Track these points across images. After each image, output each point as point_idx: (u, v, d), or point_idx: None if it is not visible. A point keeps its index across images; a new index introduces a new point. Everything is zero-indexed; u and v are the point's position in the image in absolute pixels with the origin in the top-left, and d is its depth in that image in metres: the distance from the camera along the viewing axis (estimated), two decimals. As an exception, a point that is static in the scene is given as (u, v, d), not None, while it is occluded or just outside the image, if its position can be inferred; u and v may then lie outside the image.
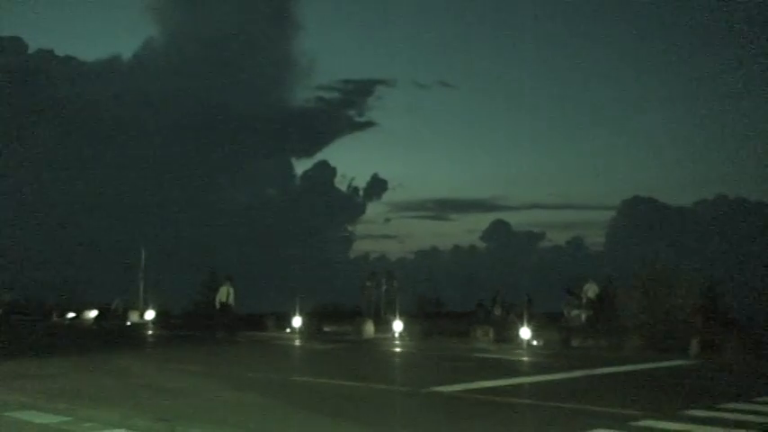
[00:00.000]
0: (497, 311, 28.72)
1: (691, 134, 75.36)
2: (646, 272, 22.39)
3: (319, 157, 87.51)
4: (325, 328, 27.04)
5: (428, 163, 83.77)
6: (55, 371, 13.59)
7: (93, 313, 35.66)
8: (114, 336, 26.30)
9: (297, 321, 26.33)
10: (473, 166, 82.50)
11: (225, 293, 25.86)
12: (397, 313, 25.54)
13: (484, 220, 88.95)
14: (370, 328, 25.50)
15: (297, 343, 22.87)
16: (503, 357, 18.11)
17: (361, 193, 68.41)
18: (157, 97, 62.55)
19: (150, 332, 27.88)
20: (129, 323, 32.72)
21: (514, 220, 79.12)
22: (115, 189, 60.16)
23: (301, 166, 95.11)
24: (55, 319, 35.77)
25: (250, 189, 68.06)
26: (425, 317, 28.39)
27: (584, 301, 26.18)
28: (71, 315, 36.10)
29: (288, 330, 26.61)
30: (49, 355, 16.78)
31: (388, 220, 72.76)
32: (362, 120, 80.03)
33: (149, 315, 32.51)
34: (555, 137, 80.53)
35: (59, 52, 66.84)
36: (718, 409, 9.65)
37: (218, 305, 25.89)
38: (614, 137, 78.06)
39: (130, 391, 11.00)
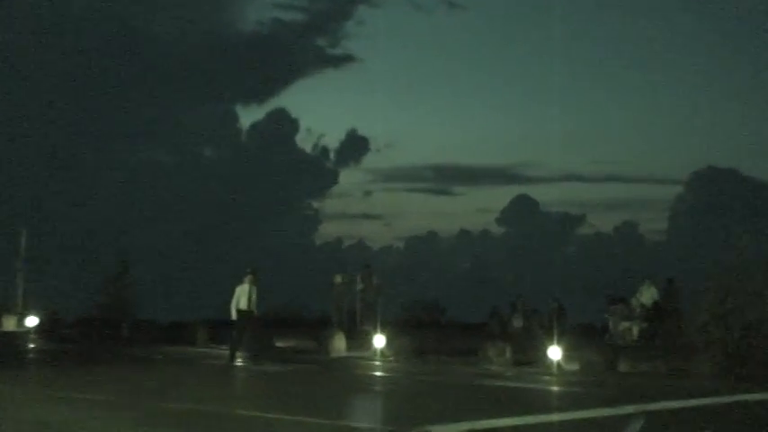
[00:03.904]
0: (517, 322, 28.92)
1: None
2: (722, 270, 22.54)
3: (275, 103, 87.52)
4: (279, 343, 27.11)
5: (426, 115, 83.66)
6: None
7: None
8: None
9: (239, 333, 26.27)
10: (488, 122, 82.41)
11: (245, 296, 24.14)
12: (379, 323, 25.60)
13: (502, 196, 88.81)
14: (340, 344, 25.58)
15: (239, 362, 22.87)
16: (524, 386, 18.21)
17: (332, 155, 68.44)
18: (53, 20, 61.97)
19: (32, 345, 27.78)
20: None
21: (544, 196, 79.12)
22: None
23: (250, 116, 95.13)
24: None
25: (178, 147, 67.87)
26: (418, 328, 28.51)
27: (638, 309, 26.40)
28: None
29: (227, 346, 26.60)
30: None
31: (368, 193, 72.81)
32: (336, 53, 79.80)
33: (31, 321, 32.40)
34: (601, 85, 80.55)
35: None
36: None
37: (233, 314, 24.04)
38: (682, 87, 78.18)
39: (9, 428, 10.96)
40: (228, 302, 23.86)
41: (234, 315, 24.16)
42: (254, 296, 24.20)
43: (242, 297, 24.16)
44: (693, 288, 23.43)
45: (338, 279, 29.26)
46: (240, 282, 24.37)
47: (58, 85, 61.25)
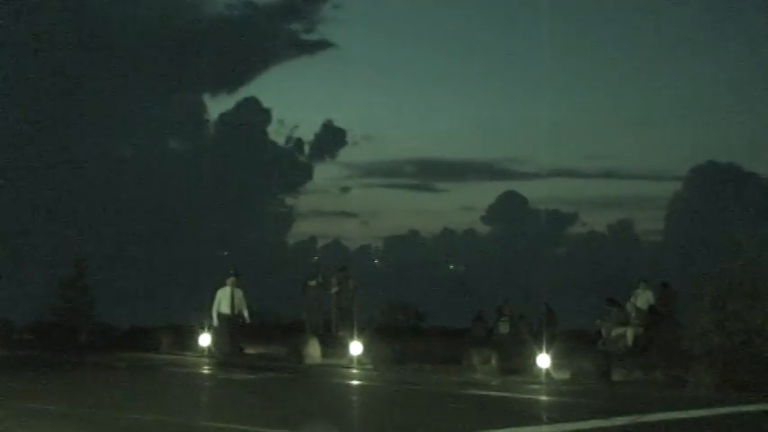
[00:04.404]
0: (504, 328, 28.93)
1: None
2: (722, 271, 22.63)
3: (245, 93, 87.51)
4: (249, 350, 27.02)
5: (408, 106, 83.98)
6: None
7: None
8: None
9: (205, 339, 26.24)
10: (474, 114, 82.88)
11: (227, 300, 24.41)
12: (356, 328, 25.56)
13: (488, 193, 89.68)
14: (314, 351, 25.51)
15: (205, 370, 22.80)
16: (511, 396, 18.24)
17: (306, 148, 68.54)
18: (8, 6, 61.50)
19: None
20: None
21: (533, 193, 79.60)
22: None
23: (218, 106, 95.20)
24: None
25: (141, 139, 67.61)
26: (398, 334, 28.45)
27: (633, 314, 26.49)
28: None
29: (192, 352, 26.55)
30: None
31: (345, 189, 73.24)
32: (312, 38, 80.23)
33: (-19, 327, 32.23)
34: (594, 75, 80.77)
35: None
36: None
37: (215, 320, 24.38)
38: (681, 79, 78.60)
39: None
40: (203, 306, 23.90)
41: (215, 320, 24.06)
42: (237, 300, 24.10)
43: (223, 300, 24.12)
44: (692, 291, 23.51)
45: (312, 281, 29.20)
46: (222, 284, 24.29)
47: (10, 73, 60.91)
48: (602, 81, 79.89)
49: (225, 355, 24.08)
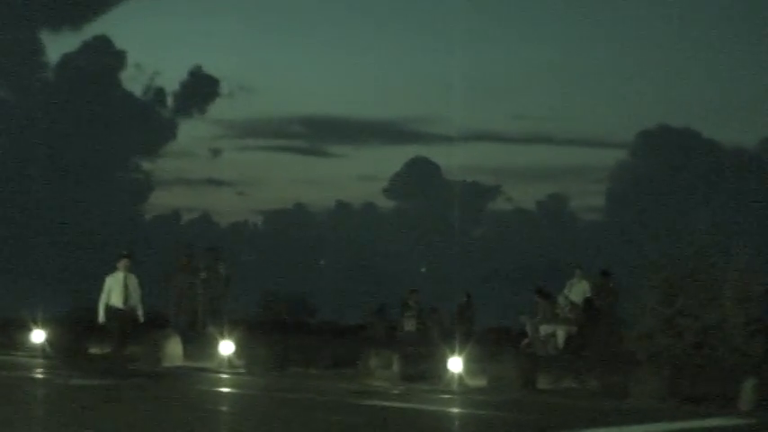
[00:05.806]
0: (410, 325, 29.06)
1: (757, 37, 77.42)
2: (672, 259, 22.99)
3: (94, 30, 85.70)
4: (93, 349, 26.76)
5: (298, 53, 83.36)
6: None
7: None
8: None
9: (38, 336, 25.91)
10: (376, 63, 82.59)
11: (119, 289, 23.47)
12: (227, 324, 25.48)
13: (392, 159, 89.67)
14: (175, 350, 25.41)
15: (39, 374, 22.56)
16: (416, 407, 18.30)
17: (169, 100, 67.67)
18: None
19: None
20: None
21: (448, 160, 79.28)
22: None
23: (60, 46, 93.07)
24: None
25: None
26: (279, 332, 28.44)
27: (565, 308, 26.80)
28: None
29: (23, 351, 26.24)
30: None
31: (217, 151, 72.26)
32: (177, -36, 78.99)
33: None
34: (525, 20, 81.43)
35: None
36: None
37: (101, 314, 23.52)
38: (630, 27, 79.58)
39: None
40: (35, 295, 23.45)
41: (102, 316, 23.34)
42: (131, 289, 23.35)
43: (114, 290, 23.16)
44: (637, 282, 23.84)
45: (177, 266, 29.04)
46: (113, 269, 23.55)
47: None
48: (531, 27, 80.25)
49: (116, 360, 23.57)
